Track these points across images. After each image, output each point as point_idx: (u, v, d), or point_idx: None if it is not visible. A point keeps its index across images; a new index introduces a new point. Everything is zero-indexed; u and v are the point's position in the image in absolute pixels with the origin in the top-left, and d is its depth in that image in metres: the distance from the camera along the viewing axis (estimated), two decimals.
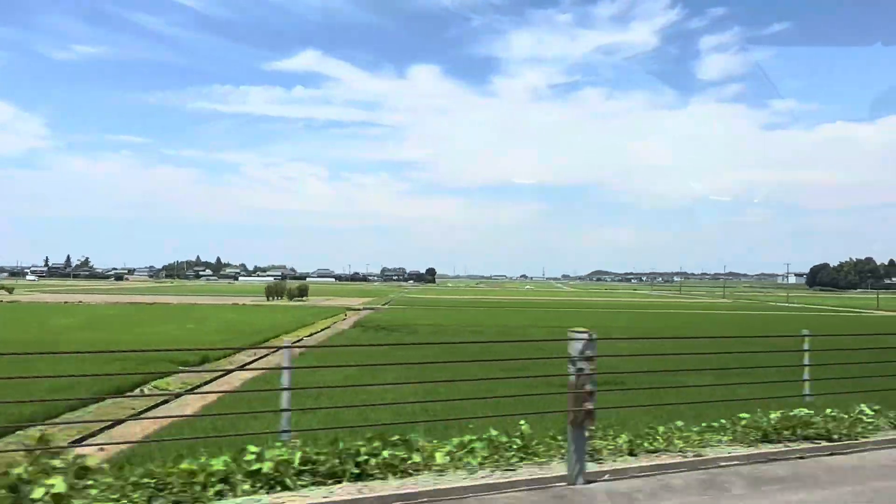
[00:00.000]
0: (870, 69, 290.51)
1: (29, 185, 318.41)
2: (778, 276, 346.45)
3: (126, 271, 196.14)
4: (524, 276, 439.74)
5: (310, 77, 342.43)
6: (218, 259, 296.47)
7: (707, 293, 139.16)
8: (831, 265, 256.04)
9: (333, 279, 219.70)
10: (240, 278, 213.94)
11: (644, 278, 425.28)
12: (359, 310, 51.78)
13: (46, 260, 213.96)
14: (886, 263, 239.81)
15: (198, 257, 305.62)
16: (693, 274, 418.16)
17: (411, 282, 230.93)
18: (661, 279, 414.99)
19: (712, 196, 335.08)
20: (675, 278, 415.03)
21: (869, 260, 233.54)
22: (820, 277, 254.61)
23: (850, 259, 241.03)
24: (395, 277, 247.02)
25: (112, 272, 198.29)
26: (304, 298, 68.97)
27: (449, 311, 52.23)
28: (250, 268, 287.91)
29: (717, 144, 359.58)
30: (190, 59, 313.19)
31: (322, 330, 32.43)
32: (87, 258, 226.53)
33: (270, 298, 67.42)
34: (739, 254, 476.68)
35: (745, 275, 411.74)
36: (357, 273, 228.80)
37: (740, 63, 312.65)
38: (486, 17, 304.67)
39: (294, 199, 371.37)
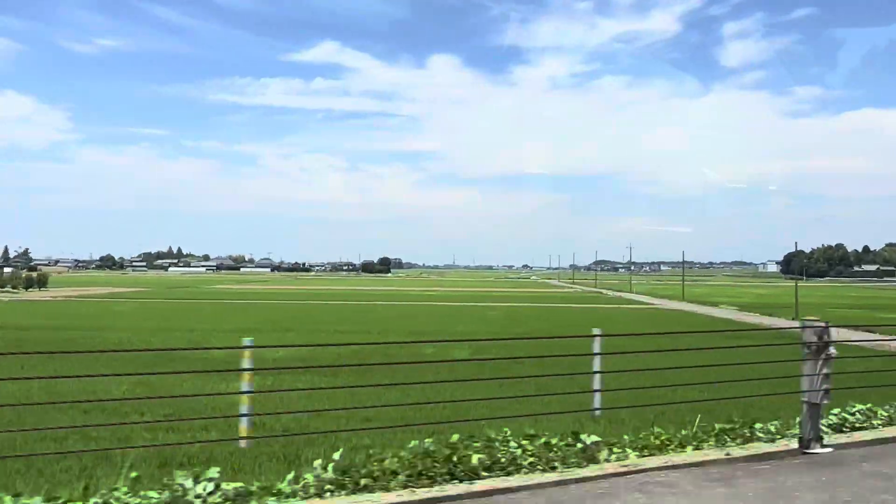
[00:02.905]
0: None
1: (50, 178, 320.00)
2: (757, 264, 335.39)
3: (46, 263, 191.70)
4: (526, 266, 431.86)
5: (329, 68, 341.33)
6: (179, 249, 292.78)
7: (620, 281, 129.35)
8: (805, 252, 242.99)
9: (270, 269, 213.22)
10: (170, 269, 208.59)
11: (633, 267, 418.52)
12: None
13: None
14: (860, 250, 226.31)
15: (170, 248, 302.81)
16: (689, 263, 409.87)
17: (355, 272, 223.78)
18: (647, 268, 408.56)
19: (730, 185, 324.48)
20: (663, 267, 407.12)
21: (840, 247, 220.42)
22: (793, 265, 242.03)
23: (822, 246, 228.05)
24: (344, 268, 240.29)
25: (37, 263, 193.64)
26: (17, 290, 61.71)
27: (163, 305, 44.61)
28: (213, 257, 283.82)
29: (737, 133, 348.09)
30: (210, 51, 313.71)
31: None
32: (27, 249, 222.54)
33: None
34: (755, 242, 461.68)
35: (750, 263, 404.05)
36: (298, 263, 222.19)
37: (763, 49, 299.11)
38: (505, 6, 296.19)
39: (310, 190, 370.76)
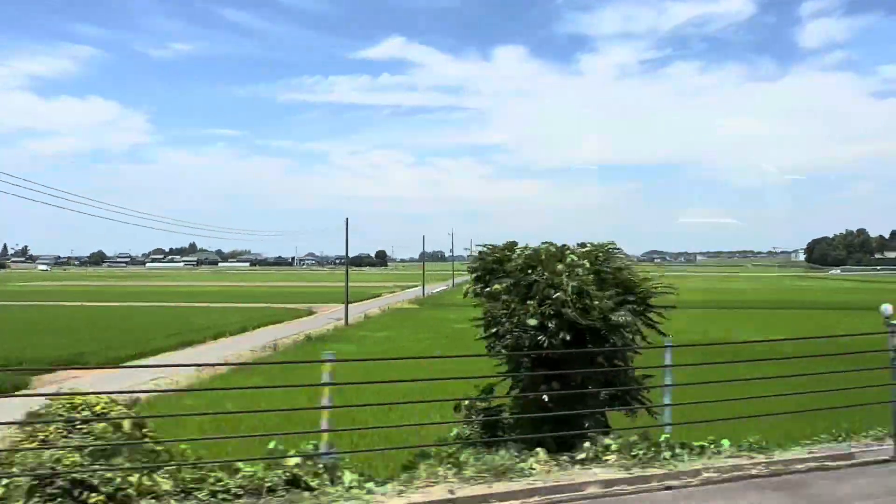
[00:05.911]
0: None
1: (131, 180, 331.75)
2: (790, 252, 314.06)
3: (27, 259, 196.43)
4: None
5: (395, 64, 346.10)
6: (193, 245, 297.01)
7: None
8: (829, 238, 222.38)
9: (250, 263, 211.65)
10: (147, 265, 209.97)
11: (668, 257, 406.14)
12: None
13: None
14: (887, 236, 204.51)
15: (191, 245, 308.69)
16: (742, 252, 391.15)
17: (331, 266, 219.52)
18: (682, 259, 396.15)
19: (806, 170, 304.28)
20: (699, 257, 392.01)
21: (861, 231, 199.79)
22: (815, 253, 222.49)
23: (844, 231, 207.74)
24: (335, 262, 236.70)
25: (14, 260, 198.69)
26: None
27: None
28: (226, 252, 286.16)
29: (818, 115, 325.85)
30: (280, 51, 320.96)
31: None
32: (26, 246, 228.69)
33: None
34: (830, 229, 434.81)
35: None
36: (281, 258, 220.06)
37: (845, 28, 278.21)
38: None
39: (379, 186, 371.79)
